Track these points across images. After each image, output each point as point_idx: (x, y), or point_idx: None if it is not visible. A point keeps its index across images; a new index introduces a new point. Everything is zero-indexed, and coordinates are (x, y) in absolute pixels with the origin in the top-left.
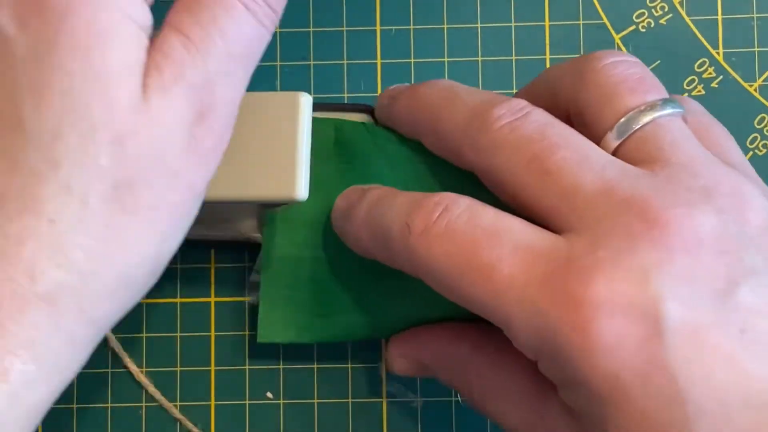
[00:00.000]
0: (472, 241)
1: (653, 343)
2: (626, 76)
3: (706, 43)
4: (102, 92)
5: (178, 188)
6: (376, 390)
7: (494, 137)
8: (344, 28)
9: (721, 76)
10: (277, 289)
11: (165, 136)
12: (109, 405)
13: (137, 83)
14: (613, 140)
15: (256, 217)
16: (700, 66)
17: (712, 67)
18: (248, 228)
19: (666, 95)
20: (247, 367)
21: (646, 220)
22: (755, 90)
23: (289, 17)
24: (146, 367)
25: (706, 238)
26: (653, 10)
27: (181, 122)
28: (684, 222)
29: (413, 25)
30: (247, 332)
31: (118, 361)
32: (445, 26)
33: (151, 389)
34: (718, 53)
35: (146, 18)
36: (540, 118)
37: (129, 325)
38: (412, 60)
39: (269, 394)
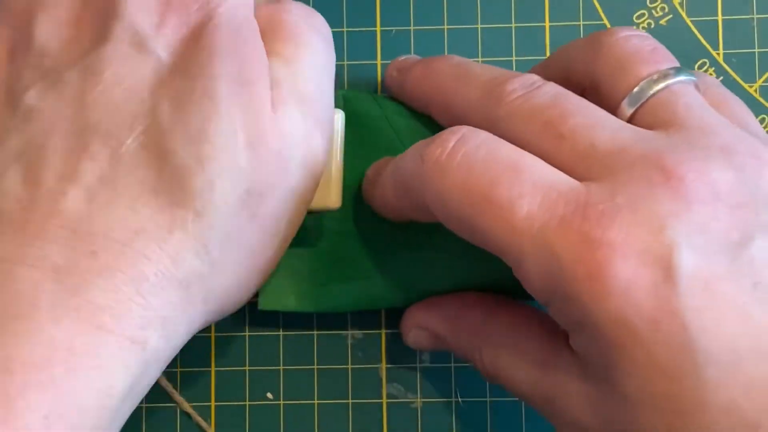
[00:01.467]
0: (490, 174)
1: (666, 290)
2: (640, 47)
3: (706, 44)
4: (239, 96)
5: (295, 201)
6: (376, 391)
7: (507, 108)
8: (344, 29)
9: (722, 77)
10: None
11: (288, 149)
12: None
13: (268, 93)
14: (627, 108)
15: None
16: (700, 67)
17: (713, 68)
18: None
19: (678, 65)
20: (247, 367)
21: (663, 172)
22: (755, 91)
23: None
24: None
25: (723, 192)
26: (653, 11)
27: (299, 135)
28: (701, 175)
29: (413, 25)
30: (247, 332)
31: None
32: (446, 27)
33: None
34: (718, 54)
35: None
36: (552, 89)
37: None
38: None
39: (269, 395)
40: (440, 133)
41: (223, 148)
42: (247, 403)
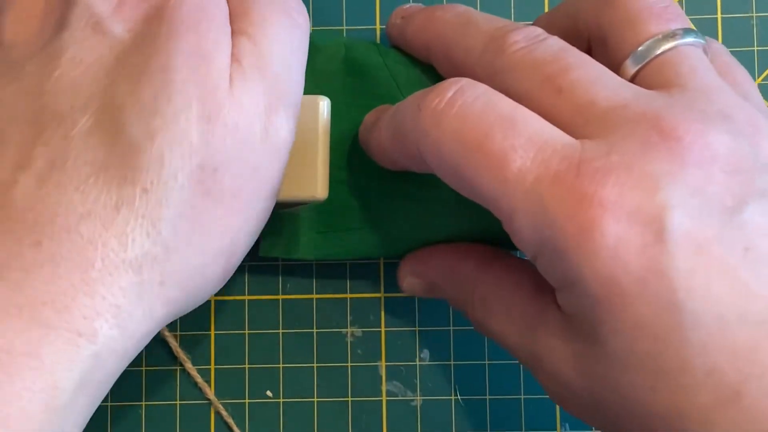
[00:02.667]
0: (486, 126)
1: (655, 250)
2: (653, 3)
3: None
4: (196, 70)
5: (256, 181)
6: (375, 388)
7: (509, 60)
8: (344, 27)
9: None
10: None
11: (246, 124)
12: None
13: (226, 67)
14: (631, 66)
15: None
16: None
17: None
18: None
19: (689, 26)
20: (246, 365)
21: (661, 132)
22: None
23: None
24: (146, 366)
25: (720, 155)
26: None
27: (259, 111)
28: (699, 137)
29: None
30: (247, 330)
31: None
32: None
33: (206, 387)
34: None
35: (225, 6)
36: (556, 43)
37: None
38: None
39: (269, 393)
40: (439, 83)
41: (174, 121)
42: (247, 401)
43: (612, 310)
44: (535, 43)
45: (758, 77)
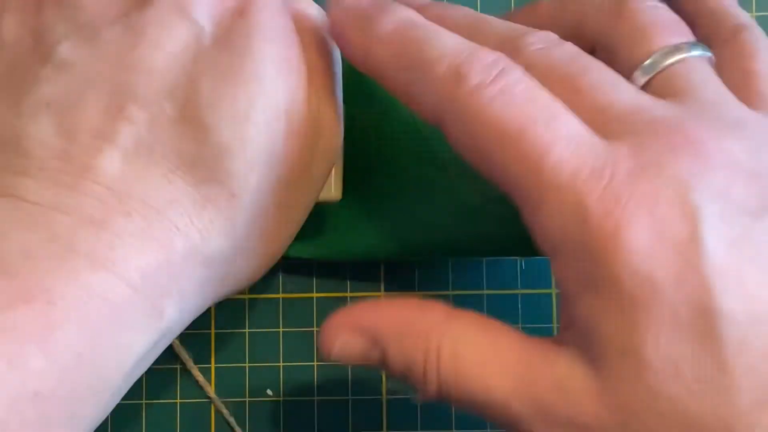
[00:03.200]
0: (528, 114)
1: (691, 249)
2: (661, 18)
3: None
4: (290, 80)
5: (315, 192)
6: (376, 387)
7: (526, 60)
8: None
9: None
10: None
11: (318, 142)
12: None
13: (306, 77)
14: (640, 77)
15: None
16: None
17: None
18: None
19: (694, 40)
20: (247, 364)
21: (685, 136)
22: None
23: None
24: None
25: (741, 159)
26: None
27: (331, 130)
28: (719, 141)
29: None
30: (247, 329)
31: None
32: None
33: (207, 386)
34: None
35: None
36: (573, 48)
37: None
38: None
39: (269, 391)
40: (476, 50)
41: (267, 131)
42: (247, 399)
43: (647, 309)
44: (552, 46)
45: None
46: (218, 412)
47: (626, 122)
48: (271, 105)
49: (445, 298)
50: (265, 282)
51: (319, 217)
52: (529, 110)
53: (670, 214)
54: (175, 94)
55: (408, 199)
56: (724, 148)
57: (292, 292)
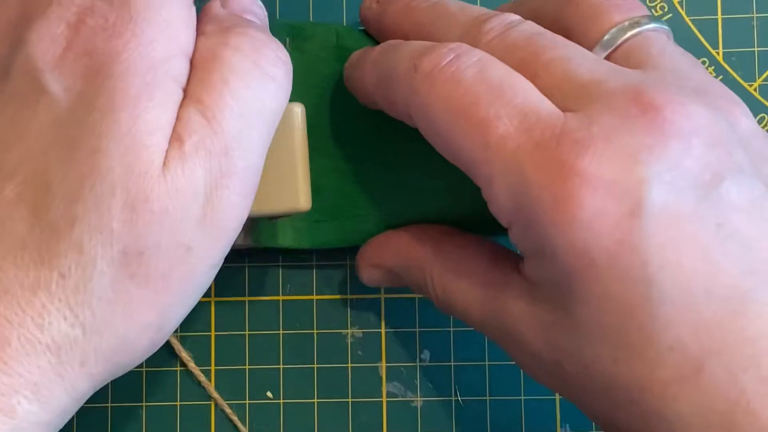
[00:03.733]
0: (475, 93)
1: (630, 224)
2: None
3: (705, 43)
4: (125, 155)
5: (189, 261)
6: (376, 389)
7: (485, 49)
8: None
9: (721, 76)
10: None
11: (180, 207)
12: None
13: (161, 150)
14: (600, 53)
15: (245, 228)
16: None
17: (712, 67)
18: (239, 239)
19: (649, 13)
20: (247, 366)
21: (640, 105)
22: (755, 90)
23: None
24: (146, 367)
25: (699, 129)
26: (653, 10)
27: (198, 192)
28: (678, 110)
29: None
30: (247, 332)
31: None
32: None
33: (209, 386)
34: (717, 53)
35: (184, 69)
36: (529, 27)
37: None
38: None
39: (269, 394)
40: (437, 45)
41: (95, 209)
42: (247, 402)
43: (582, 282)
44: (508, 30)
45: (758, 78)
46: (221, 412)
47: (583, 94)
48: (104, 181)
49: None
50: (265, 284)
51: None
52: (478, 88)
53: (613, 187)
54: (16, 174)
55: (399, 184)
56: (684, 115)
57: (292, 294)
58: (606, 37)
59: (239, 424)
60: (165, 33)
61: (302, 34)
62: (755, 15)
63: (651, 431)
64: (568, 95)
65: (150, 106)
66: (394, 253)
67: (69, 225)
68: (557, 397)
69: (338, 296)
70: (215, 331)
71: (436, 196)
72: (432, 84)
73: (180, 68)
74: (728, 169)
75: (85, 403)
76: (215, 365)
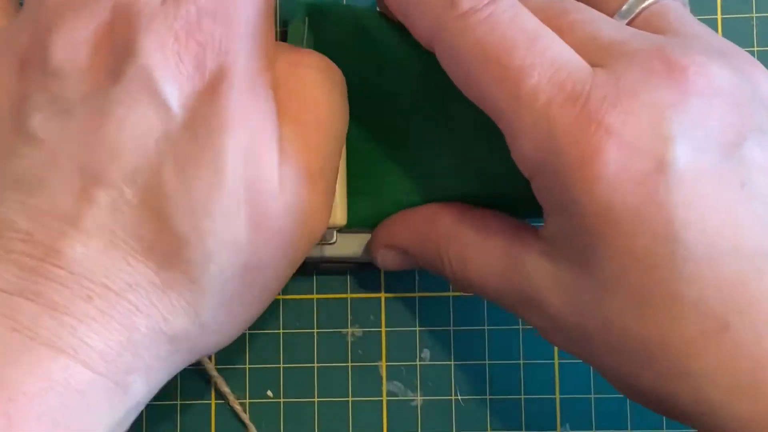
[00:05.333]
0: (510, 39)
1: (655, 181)
2: None
3: None
4: (248, 171)
5: (292, 268)
6: (376, 388)
7: None
8: None
9: None
10: None
11: (293, 228)
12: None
13: (275, 167)
14: (620, 21)
15: None
16: None
17: None
18: None
19: None
20: (247, 365)
21: (666, 63)
22: None
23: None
24: None
25: (722, 88)
26: None
27: (306, 214)
28: (702, 68)
29: None
30: (247, 331)
31: None
32: None
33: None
34: None
35: (271, 80)
36: None
37: None
38: None
39: (269, 393)
40: None
41: (225, 224)
42: (248, 401)
43: (606, 239)
44: None
45: None
46: (229, 410)
47: (609, 51)
48: (231, 198)
49: (444, 299)
50: None
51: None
52: (513, 35)
53: (639, 143)
54: (136, 179)
55: (419, 163)
56: (707, 74)
57: (292, 293)
58: (624, 7)
59: (249, 424)
60: (264, 47)
61: (320, 13)
62: (755, 15)
63: (675, 389)
64: (594, 52)
65: (263, 121)
66: (410, 231)
67: (199, 237)
68: (557, 396)
69: (338, 295)
70: None
71: (455, 175)
72: (466, 24)
73: (270, 80)
74: (751, 129)
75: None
76: (216, 364)
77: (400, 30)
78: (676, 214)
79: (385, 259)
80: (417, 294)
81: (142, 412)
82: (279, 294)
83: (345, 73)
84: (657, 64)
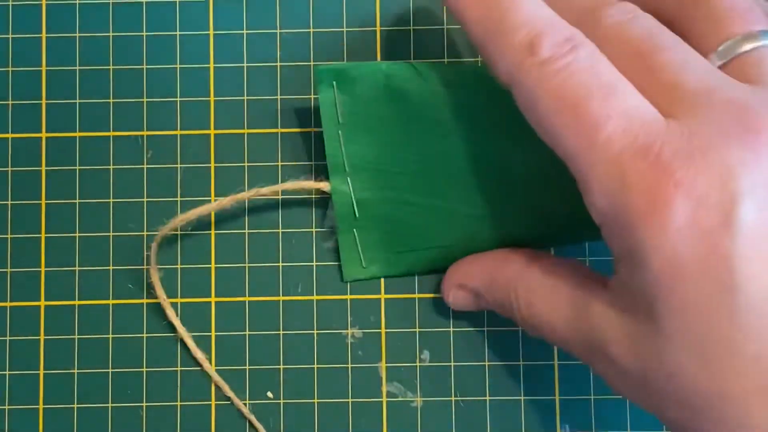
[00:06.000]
0: (586, 88)
1: (721, 234)
2: (738, 4)
3: None
4: None
5: None
6: (376, 390)
7: (604, 33)
8: (344, 29)
9: None
10: (353, 231)
11: None
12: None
13: None
14: (715, 61)
15: None
16: None
17: None
18: None
19: None
20: (247, 366)
21: (742, 123)
22: None
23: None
24: (146, 368)
25: None
26: None
27: None
28: None
29: (413, 26)
30: (247, 332)
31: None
32: (445, 27)
33: (222, 384)
34: None
35: None
36: (649, 22)
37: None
38: (413, 60)
39: (269, 394)
40: (556, 25)
41: None
42: (248, 402)
43: (671, 289)
44: (630, 19)
45: None
46: (236, 411)
47: (690, 103)
48: None
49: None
50: (265, 284)
51: (390, 238)
52: (590, 85)
53: (707, 198)
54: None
55: (466, 215)
56: None
57: (291, 295)
58: (721, 48)
59: (257, 424)
60: None
61: (347, 76)
62: None
63: None
64: (676, 102)
65: None
66: (481, 273)
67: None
68: (557, 397)
69: (338, 296)
70: (215, 331)
71: (513, 223)
72: (545, 72)
73: None
74: None
75: (84, 403)
76: (215, 365)
77: (440, 87)
78: (739, 267)
79: (457, 299)
80: (417, 295)
81: (141, 412)
82: (278, 295)
83: (385, 134)
84: (734, 123)
